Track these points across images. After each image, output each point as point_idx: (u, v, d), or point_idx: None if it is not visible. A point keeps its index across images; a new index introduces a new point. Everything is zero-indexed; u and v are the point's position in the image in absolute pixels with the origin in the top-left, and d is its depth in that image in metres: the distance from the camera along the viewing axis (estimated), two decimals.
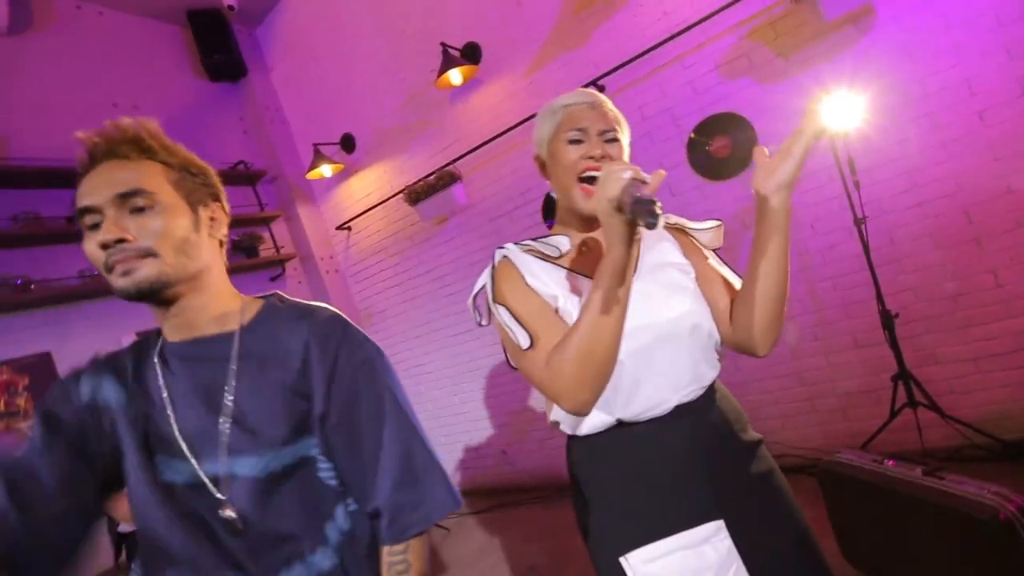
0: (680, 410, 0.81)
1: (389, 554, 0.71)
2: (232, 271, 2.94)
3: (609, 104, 0.90)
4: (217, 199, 0.76)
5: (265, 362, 0.72)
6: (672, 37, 2.29)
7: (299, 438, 0.71)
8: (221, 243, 0.77)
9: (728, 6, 2.15)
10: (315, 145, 3.39)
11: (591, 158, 0.83)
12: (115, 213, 0.65)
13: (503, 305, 0.83)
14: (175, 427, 0.70)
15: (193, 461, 0.69)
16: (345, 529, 0.73)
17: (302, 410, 0.71)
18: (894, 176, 2.06)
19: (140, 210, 0.66)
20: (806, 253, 2.28)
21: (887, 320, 2.01)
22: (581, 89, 0.92)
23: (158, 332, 0.76)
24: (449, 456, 3.65)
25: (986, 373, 2.04)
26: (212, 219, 0.74)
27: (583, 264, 0.89)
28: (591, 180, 0.82)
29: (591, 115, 0.86)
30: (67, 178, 2.60)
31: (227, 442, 0.68)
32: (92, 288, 2.60)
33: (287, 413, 0.70)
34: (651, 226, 0.58)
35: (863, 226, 1.99)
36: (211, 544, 0.67)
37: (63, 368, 2.49)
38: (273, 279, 3.59)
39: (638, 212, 0.60)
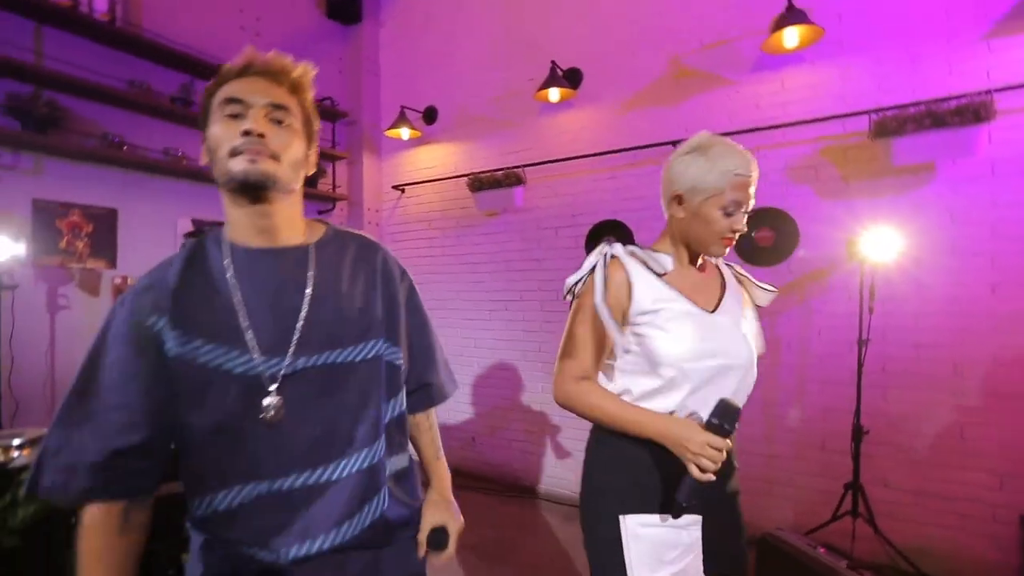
0: (708, 423, 0.99)
1: (427, 416, 1.01)
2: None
3: (755, 180, 1.01)
4: (314, 142, 0.86)
5: (339, 273, 0.82)
6: (757, 129, 2.52)
7: (364, 340, 0.82)
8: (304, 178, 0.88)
9: (813, 121, 2.39)
10: (403, 107, 3.61)
11: (734, 231, 1.00)
12: (262, 115, 0.73)
13: (587, 307, 1.02)
14: (245, 324, 0.75)
15: (256, 353, 0.75)
16: (398, 410, 0.88)
17: (369, 316, 0.83)
18: (903, 314, 2.30)
19: (279, 123, 0.75)
20: (808, 354, 2.51)
21: (857, 433, 2.24)
22: (741, 151, 0.99)
23: (216, 238, 0.81)
24: None
25: (925, 508, 2.26)
26: (310, 157, 0.84)
27: (679, 283, 1.06)
28: (729, 242, 1.02)
29: (744, 193, 0.98)
30: (180, 62, 2.81)
31: (296, 340, 0.77)
32: (170, 166, 2.79)
33: (356, 318, 0.82)
34: (682, 507, 0.94)
35: (864, 347, 2.22)
36: (257, 436, 0.75)
37: (123, 228, 2.68)
38: (321, 212, 3.79)
39: (683, 497, 0.93)
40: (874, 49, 2.34)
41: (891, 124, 2.13)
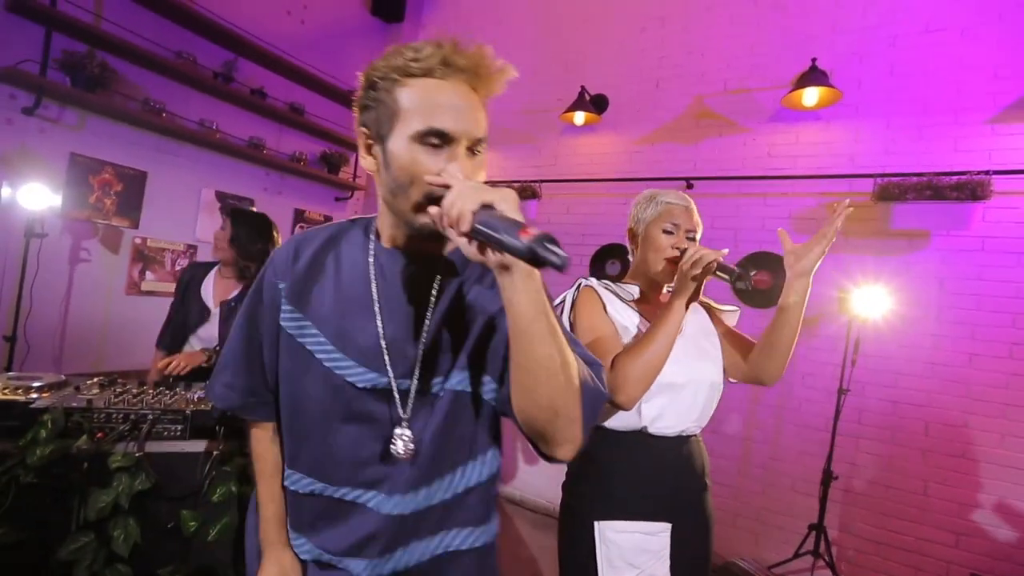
0: (681, 438, 1.15)
1: None
2: (312, 177, 3.35)
3: (696, 210, 1.24)
4: None
5: (463, 294, 0.74)
6: (767, 177, 2.65)
7: (478, 367, 0.73)
8: None
9: (823, 176, 2.52)
10: None
11: (677, 248, 1.17)
12: (464, 153, 0.65)
13: (584, 323, 1.13)
14: (380, 332, 0.71)
15: (389, 370, 0.71)
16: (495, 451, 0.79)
17: (485, 342, 0.73)
18: (884, 371, 2.41)
19: (474, 154, 0.67)
20: (788, 396, 2.61)
21: (826, 478, 2.34)
22: (678, 192, 1.23)
23: (366, 229, 0.77)
24: None
25: (884, 559, 2.36)
26: None
27: (645, 311, 1.21)
28: (673, 262, 1.15)
29: (684, 215, 1.19)
30: (226, 39, 2.92)
31: (420, 358, 0.71)
32: (203, 137, 2.89)
33: (476, 343, 0.73)
34: (746, 285, 0.96)
35: (843, 397, 2.33)
36: (375, 450, 0.71)
37: (150, 191, 2.77)
38: (337, 200, 3.89)
39: (739, 278, 0.97)
40: (886, 117, 2.47)
41: (894, 190, 2.25)
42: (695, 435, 1.19)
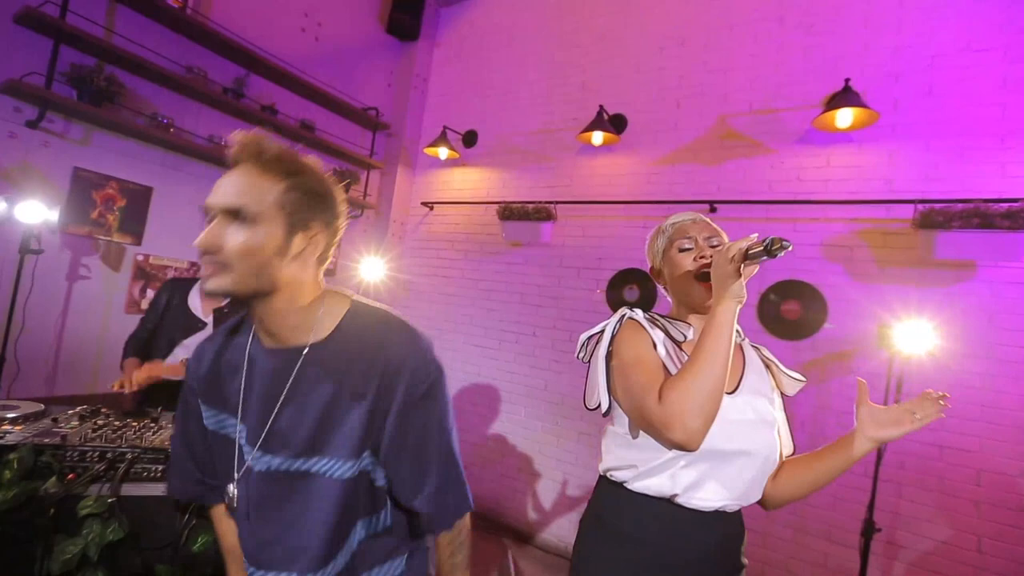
0: (718, 514, 0.97)
1: (437, 537, 0.88)
2: None
3: (706, 219, 1.10)
4: (328, 222, 0.80)
5: (318, 380, 0.79)
6: (796, 202, 2.51)
7: (316, 453, 0.79)
8: (322, 258, 0.82)
9: (858, 202, 2.37)
10: (445, 127, 3.65)
11: (703, 258, 1.03)
12: (219, 219, 0.73)
13: (628, 355, 0.97)
14: (239, 416, 0.84)
15: (244, 442, 0.84)
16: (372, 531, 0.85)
17: (327, 430, 0.79)
18: None
19: (239, 220, 0.72)
20: (822, 437, 2.42)
21: (868, 529, 2.13)
22: (684, 212, 1.13)
23: (251, 325, 0.88)
24: None
25: None
26: (311, 240, 0.78)
27: None
28: (705, 277, 0.99)
29: (696, 227, 1.08)
30: (239, 55, 2.88)
31: (263, 438, 0.81)
32: (212, 153, 2.83)
33: (309, 429, 0.79)
34: (786, 247, 0.82)
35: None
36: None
37: (155, 207, 2.70)
38: (349, 217, 3.80)
39: (773, 243, 0.83)
40: (926, 139, 2.33)
41: (937, 217, 2.10)
42: (737, 511, 1.01)
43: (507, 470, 3.32)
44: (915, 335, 2.06)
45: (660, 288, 1.17)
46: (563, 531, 3.05)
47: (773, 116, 2.70)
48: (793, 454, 1.10)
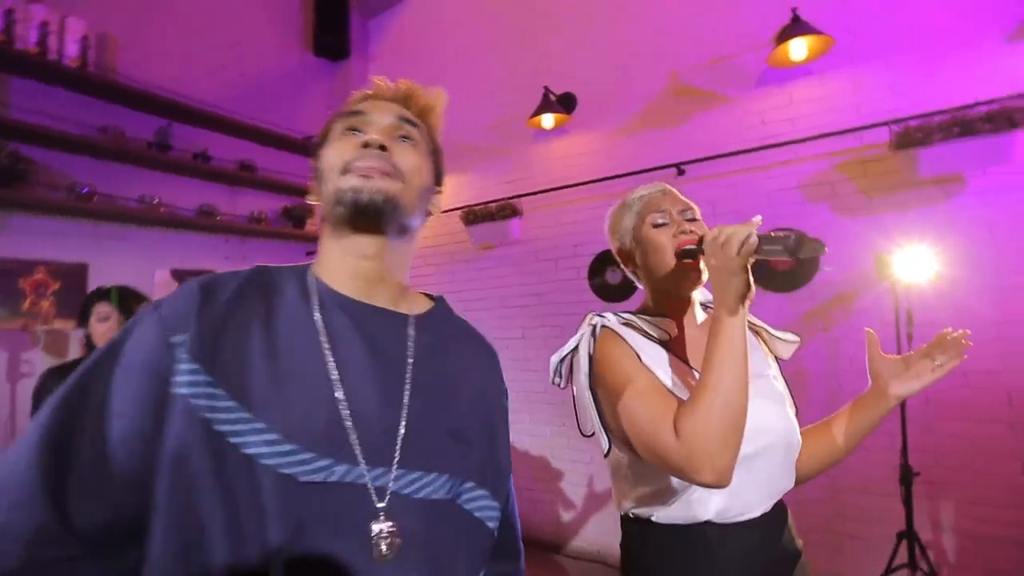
0: (762, 518, 0.83)
1: None
2: (276, 235, 3.01)
3: (676, 190, 0.96)
4: (441, 192, 0.70)
5: (445, 367, 0.61)
6: (766, 147, 2.37)
7: (462, 475, 0.56)
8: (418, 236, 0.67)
9: (827, 135, 2.24)
10: None
11: (683, 233, 0.87)
12: (387, 130, 0.60)
13: (617, 378, 0.81)
14: (343, 404, 0.51)
15: (360, 457, 0.50)
16: None
17: (474, 445, 0.59)
18: None
19: (406, 139, 0.61)
20: (837, 386, 2.29)
21: (906, 475, 2.00)
22: (646, 184, 0.98)
23: (301, 277, 0.59)
24: None
25: (990, 557, 2.01)
26: (435, 201, 0.68)
27: (689, 353, 0.90)
28: (690, 255, 0.84)
29: (668, 199, 0.92)
30: (157, 105, 2.69)
31: (400, 446, 0.53)
32: (146, 214, 2.64)
33: (460, 439, 0.58)
34: (818, 251, 0.69)
35: None
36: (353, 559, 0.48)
37: (94, 283, 2.50)
38: (309, 253, 3.62)
39: (800, 242, 0.69)
40: (888, 57, 2.20)
41: (915, 134, 1.97)
42: (777, 503, 0.87)
43: (523, 481, 3.16)
44: (915, 261, 1.93)
45: (627, 272, 1.01)
46: (593, 535, 2.90)
47: (727, 63, 2.56)
48: (796, 413, 0.96)
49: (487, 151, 3.36)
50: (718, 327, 0.75)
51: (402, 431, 0.53)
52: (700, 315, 0.95)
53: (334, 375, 0.51)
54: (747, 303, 0.76)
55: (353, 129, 0.59)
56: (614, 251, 1.01)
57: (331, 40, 3.71)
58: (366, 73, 4.00)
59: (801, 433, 0.91)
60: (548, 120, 2.85)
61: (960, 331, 0.84)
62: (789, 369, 1.01)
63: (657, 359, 0.85)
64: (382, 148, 0.57)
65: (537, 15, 3.17)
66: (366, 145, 0.56)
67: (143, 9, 2.84)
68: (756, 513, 0.82)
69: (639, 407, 0.77)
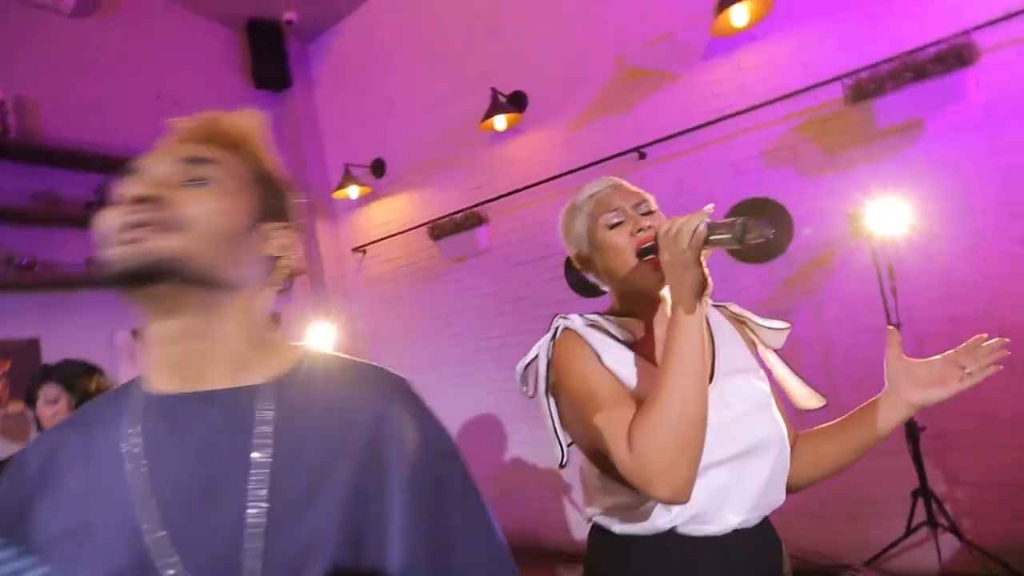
0: (738, 534, 0.75)
1: None
2: None
3: (627, 183, 0.90)
4: (290, 224, 0.58)
5: (303, 449, 0.47)
6: (721, 119, 2.32)
7: (360, 547, 0.45)
8: (279, 274, 0.57)
9: (780, 99, 2.19)
10: (346, 165, 3.39)
11: (640, 230, 0.81)
12: (162, 178, 0.49)
13: (574, 383, 0.77)
14: (158, 537, 0.42)
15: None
16: None
17: (360, 513, 0.45)
18: (929, 286, 2.05)
19: (200, 182, 0.49)
20: (830, 349, 2.24)
21: (912, 432, 1.95)
22: (596, 180, 0.92)
23: (135, 380, 0.52)
24: None
25: (1009, 502, 1.96)
26: (276, 240, 0.55)
27: (650, 352, 0.83)
28: (650, 252, 0.78)
29: (619, 195, 0.86)
30: (92, 163, 2.57)
31: (259, 562, 0.42)
32: (96, 277, 2.51)
33: (345, 515, 0.45)
34: (765, 235, 0.66)
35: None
36: None
37: (49, 358, 2.37)
38: (279, 292, 3.49)
39: (746, 228, 0.66)
40: (831, 12, 2.17)
41: (868, 86, 1.93)
42: (762, 520, 0.80)
43: (532, 493, 3.07)
44: (887, 213, 1.89)
45: (591, 278, 0.94)
46: None
47: (671, 40, 2.51)
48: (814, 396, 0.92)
49: (445, 162, 3.28)
50: (673, 328, 0.71)
51: (245, 553, 0.42)
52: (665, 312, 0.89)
53: (143, 505, 0.43)
54: (704, 299, 0.71)
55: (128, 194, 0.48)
56: (572, 257, 0.94)
57: (270, 70, 3.59)
58: (311, 100, 3.90)
59: (803, 437, 0.86)
60: (500, 122, 2.78)
61: (997, 339, 0.75)
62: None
63: (623, 361, 0.78)
64: (148, 200, 0.46)
65: (477, 18, 3.10)
66: (131, 201, 0.46)
67: (61, 67, 2.71)
68: (730, 525, 0.74)
69: (596, 416, 0.72)
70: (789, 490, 0.83)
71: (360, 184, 3.37)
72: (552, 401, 0.82)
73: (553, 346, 0.82)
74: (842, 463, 0.85)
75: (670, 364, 0.68)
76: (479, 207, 2.96)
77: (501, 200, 2.96)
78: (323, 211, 3.75)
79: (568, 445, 0.83)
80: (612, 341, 0.80)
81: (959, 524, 1.92)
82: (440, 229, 3.00)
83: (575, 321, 0.83)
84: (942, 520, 1.92)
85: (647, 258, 0.79)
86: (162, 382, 0.48)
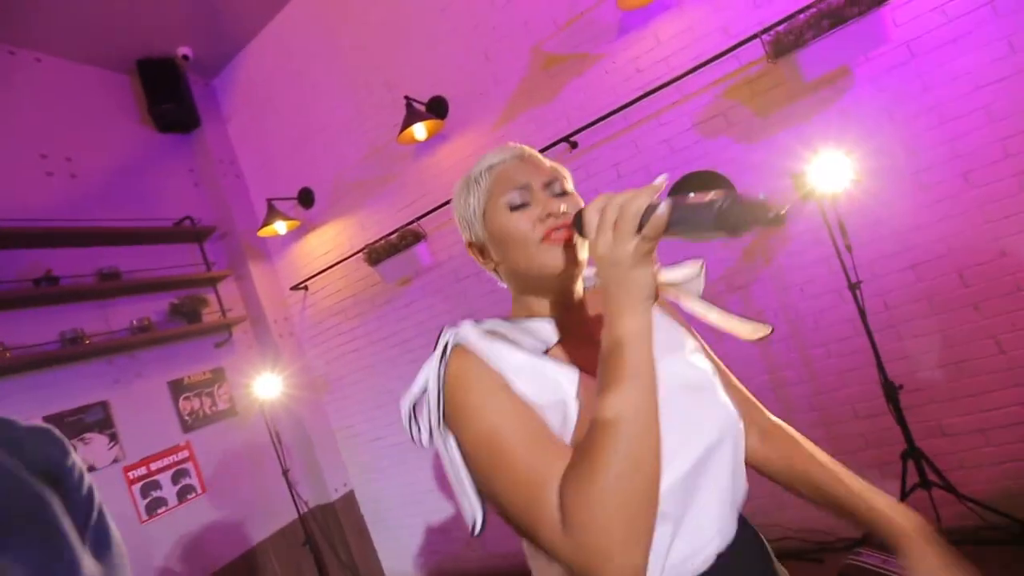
0: (721, 557, 0.60)
1: None
2: (171, 339, 2.55)
3: (539, 155, 0.72)
4: None
5: None
6: (646, 95, 2.20)
7: None
8: None
9: (701, 66, 2.09)
10: (269, 200, 3.15)
11: (551, 216, 0.63)
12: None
13: (474, 424, 0.57)
14: None
15: None
16: None
17: None
18: (883, 238, 1.97)
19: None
20: (797, 318, 2.14)
21: (890, 392, 1.86)
22: (500, 147, 0.73)
23: None
24: (416, 538, 3.25)
25: (997, 446, 1.89)
26: None
27: (576, 355, 0.66)
28: (569, 246, 0.63)
29: (525, 169, 0.68)
30: None
31: None
32: (13, 363, 2.22)
33: None
34: (780, 221, 0.45)
35: (858, 291, 1.86)
36: None
37: None
38: (218, 345, 3.23)
39: (743, 212, 0.45)
40: None
41: (787, 39, 1.83)
42: (739, 526, 0.65)
43: None
44: (829, 169, 1.80)
45: (486, 270, 0.75)
46: None
47: (583, 21, 2.38)
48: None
49: (374, 182, 3.08)
50: (612, 349, 0.52)
51: None
52: (585, 302, 0.72)
53: None
54: (651, 303, 0.54)
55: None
56: (464, 243, 0.76)
57: (173, 111, 3.32)
58: (226, 134, 3.64)
59: (801, 458, 0.77)
60: (420, 131, 2.61)
61: None
62: (750, 313, 0.78)
63: (540, 378, 0.59)
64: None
65: (383, 28, 2.92)
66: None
67: None
68: (714, 551, 0.60)
69: (507, 473, 0.54)
70: (764, 470, 0.77)
71: (287, 218, 3.14)
72: (453, 442, 0.60)
73: (444, 372, 0.60)
74: (803, 494, 0.76)
75: (612, 399, 0.51)
76: (414, 223, 2.77)
77: (437, 213, 2.78)
78: (255, 252, 3.49)
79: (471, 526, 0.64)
80: (520, 354, 0.61)
81: (950, 478, 1.84)
82: (376, 253, 2.80)
83: (467, 332, 0.62)
84: (934, 479, 1.83)
85: (555, 234, 0.63)
86: None
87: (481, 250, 0.73)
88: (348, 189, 3.18)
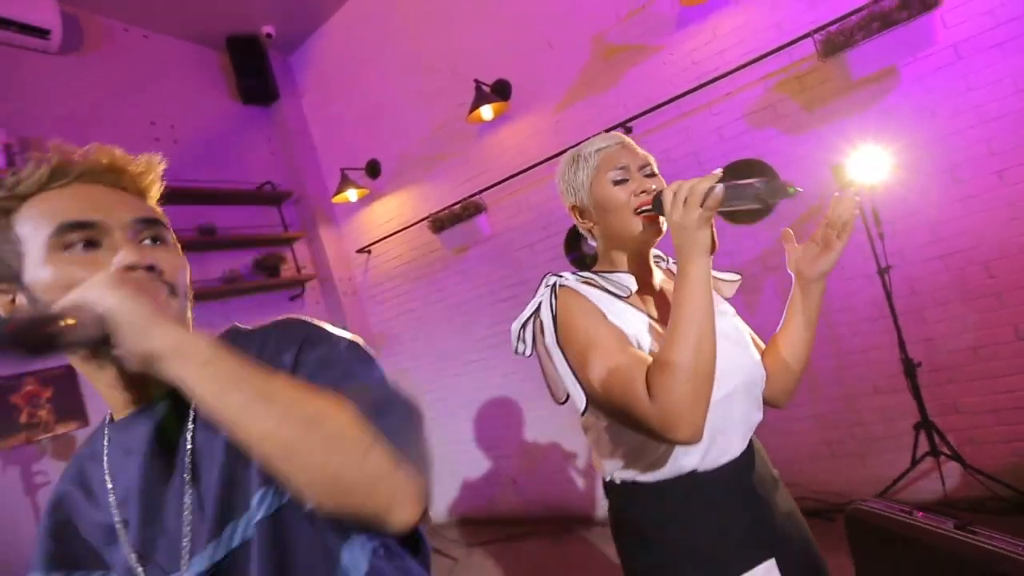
0: (741, 456, 0.85)
1: None
2: (254, 290, 2.99)
3: (635, 143, 0.94)
4: None
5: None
6: (701, 86, 2.38)
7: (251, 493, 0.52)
8: None
9: (755, 60, 2.25)
10: (343, 170, 3.47)
11: (644, 192, 0.85)
12: (129, 238, 0.52)
13: (580, 335, 0.80)
14: (125, 543, 0.53)
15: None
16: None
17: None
18: (916, 228, 2.12)
19: (159, 242, 0.55)
20: (827, 298, 2.31)
21: (909, 368, 2.04)
22: (605, 133, 0.94)
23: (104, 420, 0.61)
24: (458, 484, 3.61)
25: (1007, 425, 2.06)
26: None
27: (648, 306, 0.91)
28: (650, 213, 0.84)
29: (626, 154, 0.89)
30: None
31: (187, 547, 0.52)
32: None
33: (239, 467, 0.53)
34: (795, 192, 0.70)
35: (887, 275, 2.04)
36: None
37: (83, 380, 2.50)
38: (292, 299, 3.62)
39: (778, 190, 0.71)
40: None
41: (838, 39, 1.98)
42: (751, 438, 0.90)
43: (555, 465, 3.19)
44: (868, 162, 1.96)
45: (583, 230, 0.97)
46: None
47: (644, 14, 2.56)
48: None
49: (438, 157, 3.36)
50: (683, 283, 0.75)
51: (186, 535, 0.52)
52: (655, 270, 0.96)
53: (116, 518, 0.54)
54: (710, 257, 0.76)
55: (86, 243, 0.51)
56: (567, 207, 0.96)
57: (256, 85, 3.66)
58: (301, 108, 3.97)
59: (771, 346, 0.94)
60: (487, 112, 2.85)
61: (845, 182, 0.88)
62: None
63: (623, 316, 0.84)
64: (151, 269, 0.52)
65: (453, 12, 3.15)
66: (132, 269, 0.51)
67: (57, 104, 2.81)
68: (736, 453, 0.84)
69: (608, 368, 0.76)
70: (783, 399, 0.94)
71: (357, 187, 3.45)
72: (560, 354, 0.82)
73: (556, 301, 0.84)
74: (796, 366, 0.91)
75: (682, 316, 0.72)
76: (476, 196, 3.04)
77: (497, 188, 3.04)
78: (324, 217, 3.84)
79: (565, 401, 0.90)
80: (608, 296, 0.85)
81: (960, 451, 2.02)
82: (441, 222, 3.09)
83: (570, 279, 0.87)
84: (944, 449, 2.02)
85: (645, 216, 0.85)
86: (118, 409, 0.58)
87: (582, 212, 0.94)
88: (414, 162, 3.47)
